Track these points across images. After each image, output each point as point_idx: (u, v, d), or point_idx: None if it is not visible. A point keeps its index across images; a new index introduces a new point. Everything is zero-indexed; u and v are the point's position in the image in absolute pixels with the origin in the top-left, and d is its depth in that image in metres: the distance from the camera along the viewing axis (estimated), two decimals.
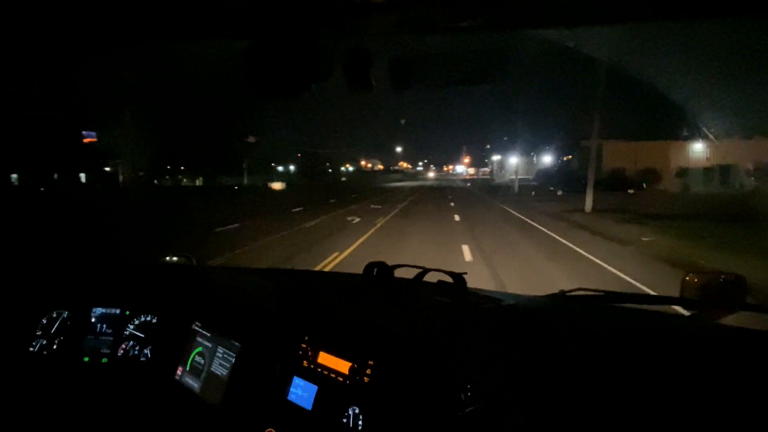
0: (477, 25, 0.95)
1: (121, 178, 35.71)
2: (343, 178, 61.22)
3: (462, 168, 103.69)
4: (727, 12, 0.85)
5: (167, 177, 48.83)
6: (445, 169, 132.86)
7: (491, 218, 15.07)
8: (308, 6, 0.90)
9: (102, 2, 0.97)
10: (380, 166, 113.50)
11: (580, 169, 35.04)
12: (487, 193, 33.05)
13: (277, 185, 39.17)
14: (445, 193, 33.14)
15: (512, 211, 17.42)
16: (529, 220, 14.19)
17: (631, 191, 27.80)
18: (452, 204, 21.46)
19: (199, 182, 48.68)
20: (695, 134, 28.47)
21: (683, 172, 30.76)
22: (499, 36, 1.04)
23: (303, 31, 0.94)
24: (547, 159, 51.26)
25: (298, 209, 18.03)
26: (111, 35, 1.15)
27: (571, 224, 13.07)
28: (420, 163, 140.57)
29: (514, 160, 50.92)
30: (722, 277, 1.26)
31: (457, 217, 14.94)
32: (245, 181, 40.10)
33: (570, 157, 40.33)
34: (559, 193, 27.60)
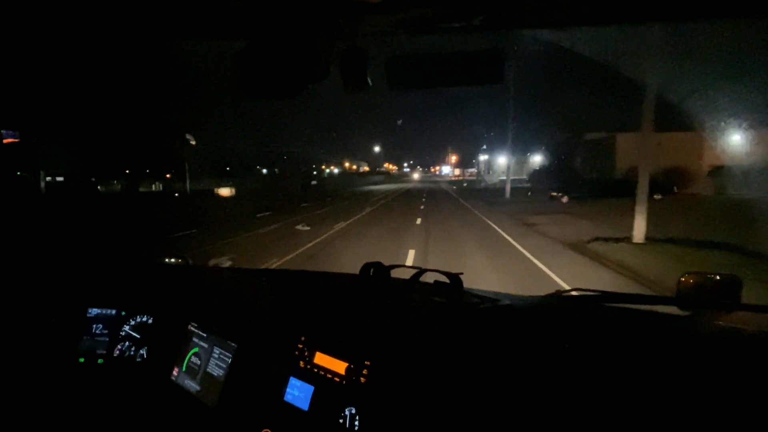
0: (474, 26, 0.95)
1: (42, 184, 28.60)
2: (314, 182, 54.16)
3: (448, 169, 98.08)
4: (727, 12, 0.85)
5: (115, 182, 44.15)
6: (431, 170, 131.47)
7: (476, 262, 7.53)
8: (304, 6, 0.89)
9: (97, 2, 0.96)
10: (366, 168, 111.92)
11: (585, 168, 28.30)
12: (472, 198, 26.14)
13: (225, 191, 33.29)
14: (419, 200, 25.75)
15: (510, 240, 9.98)
16: (545, 268, 6.99)
17: (658, 196, 20.88)
18: (419, 221, 13.94)
19: (156, 187, 45.38)
20: (733, 122, 21.21)
21: (717, 171, 24.09)
22: (496, 36, 1.03)
23: (299, 31, 0.92)
24: (540, 158, 44.71)
25: (188, 232, 12.40)
26: (106, 35, 1.13)
27: (633, 280, 6.13)
28: (405, 164, 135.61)
29: (502, 160, 46.61)
30: (718, 276, 1.25)
31: (410, 255, 8.00)
32: (188, 186, 33.23)
33: (570, 155, 33.57)
34: (565, 200, 20.84)
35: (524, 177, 45.06)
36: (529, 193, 22.24)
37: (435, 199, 26.85)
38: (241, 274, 1.75)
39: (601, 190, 20.59)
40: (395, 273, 1.51)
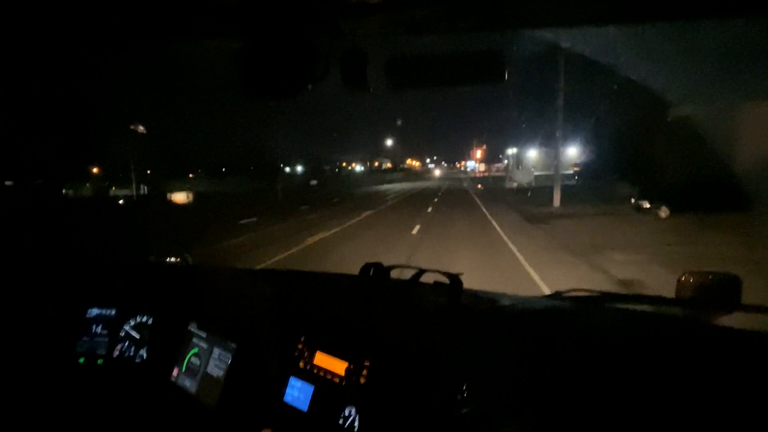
0: (474, 26, 0.97)
1: None
2: (314, 182, 46.66)
3: (473, 164, 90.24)
4: (728, 12, 0.87)
5: (88, 185, 37.49)
6: (457, 165, 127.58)
7: None
8: (304, 6, 0.91)
9: (98, 2, 0.98)
10: (389, 165, 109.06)
11: (669, 161, 18.39)
12: (502, 207, 17.42)
13: (180, 197, 28.22)
14: (423, 210, 17.92)
15: None
16: None
17: None
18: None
19: (142, 190, 39.58)
20: None
21: None
22: (496, 35, 1.07)
23: (299, 32, 0.94)
24: (582, 149, 35.11)
25: None
26: (105, 35, 1.15)
27: None
28: (428, 160, 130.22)
29: (533, 153, 40.07)
30: (717, 277, 1.24)
31: None
32: (134, 190, 26.84)
33: (644, 142, 23.07)
34: (663, 213, 11.80)
35: (564, 172, 35.92)
36: (602, 213, 13.29)
37: (448, 207, 18.79)
38: (241, 274, 1.73)
39: (715, 195, 11.43)
40: (395, 273, 1.51)
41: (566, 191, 19.81)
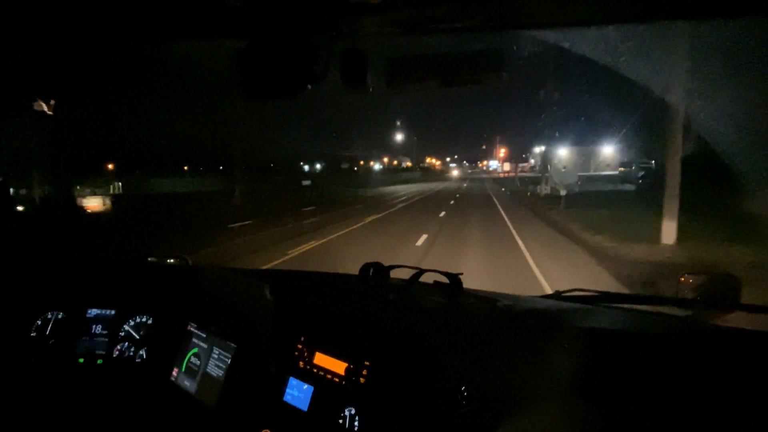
0: (474, 26, 0.98)
1: None
2: (306, 182, 40.22)
3: (495, 163, 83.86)
4: (728, 12, 0.87)
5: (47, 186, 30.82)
6: (480, 164, 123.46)
7: None
8: (304, 6, 0.92)
9: (96, 1, 1.00)
10: (408, 164, 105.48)
11: None
12: (550, 237, 9.82)
13: (93, 203, 21.54)
14: (415, 239, 9.87)
15: None
16: None
17: None
18: None
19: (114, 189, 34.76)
20: None
21: None
22: (496, 36, 1.08)
23: (299, 31, 0.95)
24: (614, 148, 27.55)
25: None
26: (105, 34, 1.15)
27: None
28: (448, 159, 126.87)
29: (563, 152, 33.51)
30: (717, 277, 1.26)
31: None
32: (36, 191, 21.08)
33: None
34: None
35: (601, 173, 32.25)
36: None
37: (457, 232, 12.26)
38: (241, 275, 1.70)
39: None
40: (395, 273, 1.51)
41: (635, 203, 12.02)
